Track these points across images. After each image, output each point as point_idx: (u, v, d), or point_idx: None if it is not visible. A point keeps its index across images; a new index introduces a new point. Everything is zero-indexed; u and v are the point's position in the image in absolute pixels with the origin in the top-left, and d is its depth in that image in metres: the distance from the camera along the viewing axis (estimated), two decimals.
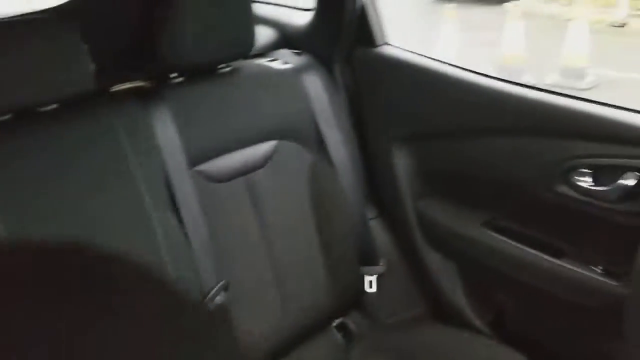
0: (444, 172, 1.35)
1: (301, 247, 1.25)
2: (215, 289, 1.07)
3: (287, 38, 1.46)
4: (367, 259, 1.34)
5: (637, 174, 1.02)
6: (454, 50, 5.21)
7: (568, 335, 1.21)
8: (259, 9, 1.49)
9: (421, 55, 1.33)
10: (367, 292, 1.34)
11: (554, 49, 5.10)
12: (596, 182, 1.07)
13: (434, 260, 1.39)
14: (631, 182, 1.01)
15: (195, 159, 1.11)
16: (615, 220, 1.05)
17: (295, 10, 1.51)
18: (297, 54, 1.38)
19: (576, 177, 1.09)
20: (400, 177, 1.37)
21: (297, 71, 1.31)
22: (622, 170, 1.03)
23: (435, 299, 1.41)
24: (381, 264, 1.35)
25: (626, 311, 0.97)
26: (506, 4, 6.43)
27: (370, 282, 1.33)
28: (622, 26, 6.62)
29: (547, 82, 4.76)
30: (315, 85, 1.32)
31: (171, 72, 1.18)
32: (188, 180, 1.08)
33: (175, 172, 1.07)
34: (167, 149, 1.07)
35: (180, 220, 1.06)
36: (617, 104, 1.08)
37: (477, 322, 1.35)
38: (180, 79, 1.18)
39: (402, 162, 1.37)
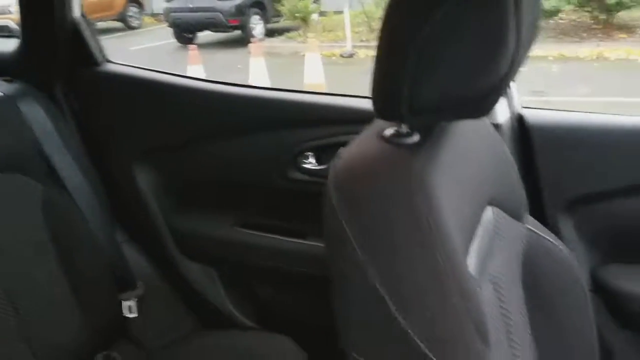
0: (189, 181, 1.35)
1: (43, 287, 1.14)
2: None
3: None
4: (123, 283, 1.28)
5: None
6: None
7: (325, 309, 1.29)
8: None
9: (143, 68, 1.33)
10: (129, 318, 1.27)
11: (296, 81, 5.60)
12: (319, 162, 1.20)
13: (193, 271, 1.37)
14: None
15: None
16: None
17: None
18: (8, 81, 1.28)
19: (303, 161, 1.20)
20: (146, 193, 1.34)
21: (10, 100, 1.21)
22: (337, 147, 1.16)
23: (202, 310, 1.39)
24: (138, 286, 1.30)
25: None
26: (249, 45, 6.87)
27: (130, 307, 1.27)
28: (351, 56, 7.53)
29: None
30: (34, 112, 1.23)
31: None
32: None
33: None
34: None
35: None
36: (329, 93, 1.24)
37: (246, 320, 1.37)
38: None
39: (145, 178, 1.35)
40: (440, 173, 0.63)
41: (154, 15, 12.07)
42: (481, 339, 0.59)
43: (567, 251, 0.96)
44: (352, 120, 1.09)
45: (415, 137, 0.66)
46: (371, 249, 0.58)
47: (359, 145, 0.68)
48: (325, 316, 1.27)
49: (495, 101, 0.63)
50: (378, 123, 0.71)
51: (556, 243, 0.95)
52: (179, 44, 9.08)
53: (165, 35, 9.37)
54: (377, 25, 0.80)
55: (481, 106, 0.63)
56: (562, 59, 6.38)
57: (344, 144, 0.72)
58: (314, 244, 1.23)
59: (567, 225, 1.16)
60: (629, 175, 1.13)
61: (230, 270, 1.38)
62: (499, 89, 0.61)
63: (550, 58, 6.24)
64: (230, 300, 1.38)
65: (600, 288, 1.15)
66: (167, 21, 9.44)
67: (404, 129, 0.66)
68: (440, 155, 0.66)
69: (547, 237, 0.95)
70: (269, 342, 1.20)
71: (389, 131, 0.67)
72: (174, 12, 9.14)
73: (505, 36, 0.55)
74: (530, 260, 0.90)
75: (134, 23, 11.52)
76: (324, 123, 1.19)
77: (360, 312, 0.60)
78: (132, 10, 11.56)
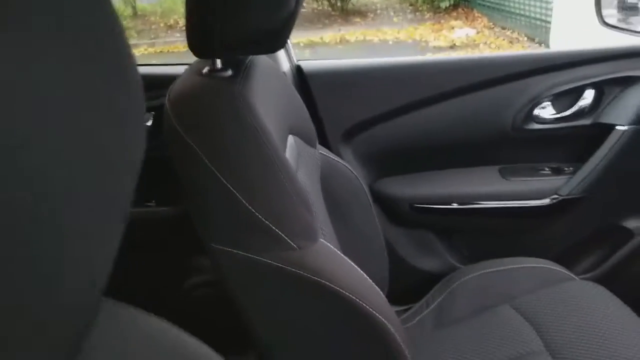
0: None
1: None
2: None
3: None
4: None
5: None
6: None
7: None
8: None
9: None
10: None
11: None
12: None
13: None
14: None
15: None
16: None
17: None
18: None
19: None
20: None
21: None
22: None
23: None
24: None
25: None
26: None
27: None
28: None
29: None
30: None
31: None
32: None
33: None
34: None
35: None
36: None
37: None
38: None
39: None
40: (255, 98, 0.78)
41: None
42: (308, 210, 0.76)
43: (351, 170, 1.20)
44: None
45: (229, 72, 0.80)
46: (213, 154, 0.71)
47: (183, 83, 0.80)
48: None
49: (287, 35, 0.81)
50: (195, 64, 0.83)
51: (343, 164, 1.19)
52: None
53: None
54: None
55: (279, 39, 0.79)
56: (312, 44, 7.04)
57: None
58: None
59: (347, 151, 1.42)
60: (385, 103, 1.41)
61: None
62: (289, 23, 0.78)
63: (302, 44, 6.85)
64: None
65: (378, 198, 1.44)
66: None
67: (219, 64, 0.79)
68: (252, 86, 0.81)
69: (336, 159, 1.18)
70: None
71: (206, 69, 0.80)
72: None
73: None
74: (325, 178, 1.11)
75: None
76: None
77: (216, 208, 0.73)
78: None
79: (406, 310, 1.29)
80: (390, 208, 1.46)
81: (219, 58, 0.78)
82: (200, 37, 0.74)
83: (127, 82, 0.29)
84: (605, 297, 1.12)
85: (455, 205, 1.43)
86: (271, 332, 0.79)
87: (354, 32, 7.50)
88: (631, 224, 1.46)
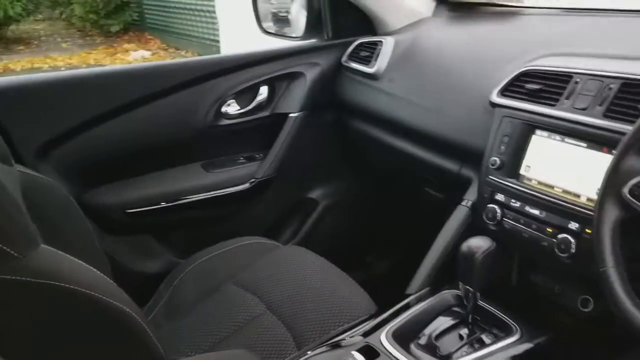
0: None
1: None
2: None
3: None
4: None
5: None
6: None
7: None
8: None
9: None
10: None
11: None
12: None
13: None
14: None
15: None
16: None
17: None
18: None
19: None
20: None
21: None
22: None
23: None
24: None
25: None
26: None
27: None
28: None
29: None
30: None
31: None
32: None
33: None
34: None
35: None
36: None
37: None
38: None
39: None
40: None
41: None
42: (23, 216, 0.74)
43: (55, 185, 1.17)
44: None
45: None
46: None
47: None
48: None
49: None
50: None
51: (46, 179, 1.15)
52: None
53: None
54: None
55: None
56: None
57: None
58: None
59: (47, 166, 1.37)
60: (79, 115, 1.39)
61: None
62: None
63: None
64: None
65: (89, 209, 1.40)
66: None
67: None
68: None
69: (37, 175, 1.13)
70: None
71: None
72: None
73: None
74: (27, 196, 1.06)
75: None
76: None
77: None
78: None
79: None
80: (104, 217, 1.45)
81: None
82: None
83: None
84: (309, 257, 1.33)
85: (164, 204, 1.50)
86: (15, 345, 0.74)
87: (18, 61, 6.85)
88: (315, 194, 1.76)
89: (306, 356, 0.98)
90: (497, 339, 1.01)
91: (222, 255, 1.37)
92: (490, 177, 1.13)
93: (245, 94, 1.60)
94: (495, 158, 1.12)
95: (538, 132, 1.08)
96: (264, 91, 1.62)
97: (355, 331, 1.04)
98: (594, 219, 0.82)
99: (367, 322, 1.06)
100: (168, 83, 1.47)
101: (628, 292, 0.77)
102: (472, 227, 1.18)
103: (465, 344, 1.01)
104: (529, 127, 1.09)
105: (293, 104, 1.62)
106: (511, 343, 0.99)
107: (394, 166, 1.69)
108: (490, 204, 1.12)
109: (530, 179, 1.08)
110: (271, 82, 1.62)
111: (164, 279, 1.37)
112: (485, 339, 1.02)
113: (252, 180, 1.60)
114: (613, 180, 0.80)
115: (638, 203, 0.77)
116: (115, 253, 1.46)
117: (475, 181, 1.21)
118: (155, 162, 1.53)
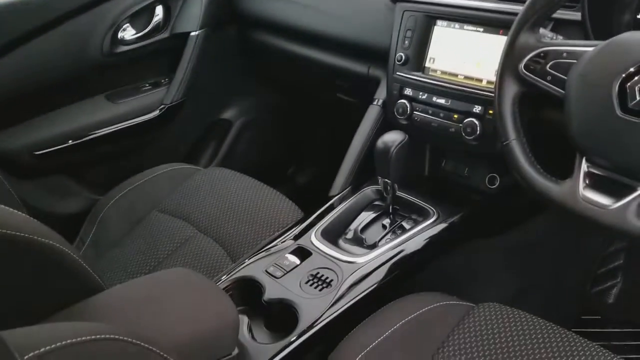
0: None
1: None
2: None
3: None
4: None
5: None
6: None
7: None
8: None
9: None
10: None
11: None
12: None
13: None
14: None
15: None
16: None
17: None
18: None
19: None
20: None
21: None
22: None
23: None
24: None
25: None
26: None
27: None
28: None
29: None
30: None
31: None
32: None
33: None
34: None
35: None
36: None
37: None
38: None
39: None
40: None
41: None
42: None
43: None
44: None
45: None
46: None
47: None
48: None
49: None
50: None
51: None
52: None
53: None
54: None
55: None
56: None
57: None
58: None
59: None
60: None
61: None
62: None
63: None
64: None
65: None
66: None
67: None
68: None
69: None
70: None
71: None
72: None
73: None
74: None
75: None
76: None
77: None
78: None
79: None
80: (12, 162, 1.38)
81: None
82: None
83: None
84: (230, 175, 1.32)
85: (71, 142, 1.44)
86: None
87: None
88: (228, 114, 1.75)
89: (243, 265, 1.02)
90: (415, 224, 1.09)
91: (142, 185, 1.34)
92: (397, 73, 1.16)
93: (141, 16, 1.52)
94: (401, 54, 1.15)
95: (439, 22, 1.11)
96: (159, 11, 1.54)
97: (286, 236, 1.08)
98: (494, 98, 0.88)
99: (296, 227, 1.11)
100: (53, 13, 1.37)
101: (530, 161, 0.84)
102: (385, 124, 1.23)
103: (388, 232, 1.08)
104: (430, 18, 1.12)
105: (192, 22, 1.56)
106: (428, 225, 1.08)
107: (303, 76, 1.68)
108: (399, 99, 1.16)
109: (435, 70, 1.13)
110: (166, 2, 1.54)
111: (85, 218, 1.34)
112: (406, 225, 1.10)
113: (162, 106, 1.55)
114: (510, 58, 0.85)
115: (533, 77, 0.83)
116: (30, 198, 1.40)
117: (384, 79, 1.24)
118: (56, 100, 1.44)
